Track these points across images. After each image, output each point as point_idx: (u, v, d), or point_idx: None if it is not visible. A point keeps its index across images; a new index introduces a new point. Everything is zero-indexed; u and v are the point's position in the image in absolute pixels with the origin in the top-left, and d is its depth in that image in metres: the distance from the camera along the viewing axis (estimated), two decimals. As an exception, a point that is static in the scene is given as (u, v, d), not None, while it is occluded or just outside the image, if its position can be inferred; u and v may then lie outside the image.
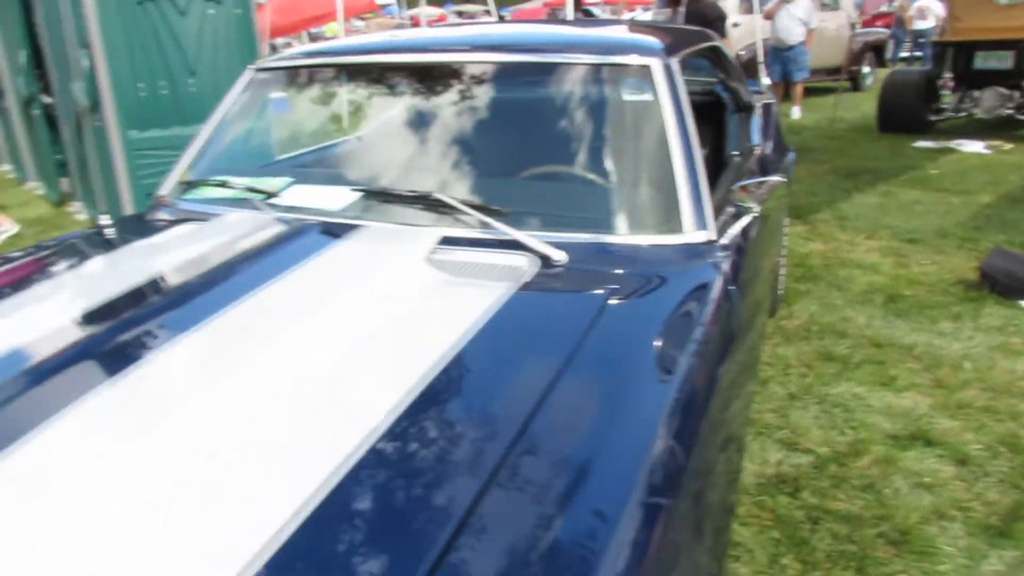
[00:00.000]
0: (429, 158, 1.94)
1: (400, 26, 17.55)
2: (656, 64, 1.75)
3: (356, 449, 0.95)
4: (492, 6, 11.95)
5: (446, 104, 2.00)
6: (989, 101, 7.56)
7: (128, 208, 4.84)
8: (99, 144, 4.80)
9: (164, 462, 0.94)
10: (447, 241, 1.57)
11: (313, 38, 16.31)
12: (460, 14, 22.24)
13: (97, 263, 1.79)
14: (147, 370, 1.14)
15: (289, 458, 0.94)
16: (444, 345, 1.18)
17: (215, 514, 0.85)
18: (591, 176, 1.75)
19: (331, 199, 1.86)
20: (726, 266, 1.55)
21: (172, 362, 1.17)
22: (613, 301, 1.35)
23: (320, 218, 1.76)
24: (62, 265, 1.78)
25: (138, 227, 2.03)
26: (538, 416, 1.01)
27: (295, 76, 2.32)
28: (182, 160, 2.26)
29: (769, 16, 8.48)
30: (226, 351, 1.20)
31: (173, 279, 1.50)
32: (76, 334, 1.28)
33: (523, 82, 1.94)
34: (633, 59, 1.77)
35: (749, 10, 9.34)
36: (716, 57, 2.57)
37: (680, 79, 1.75)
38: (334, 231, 1.66)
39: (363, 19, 18.20)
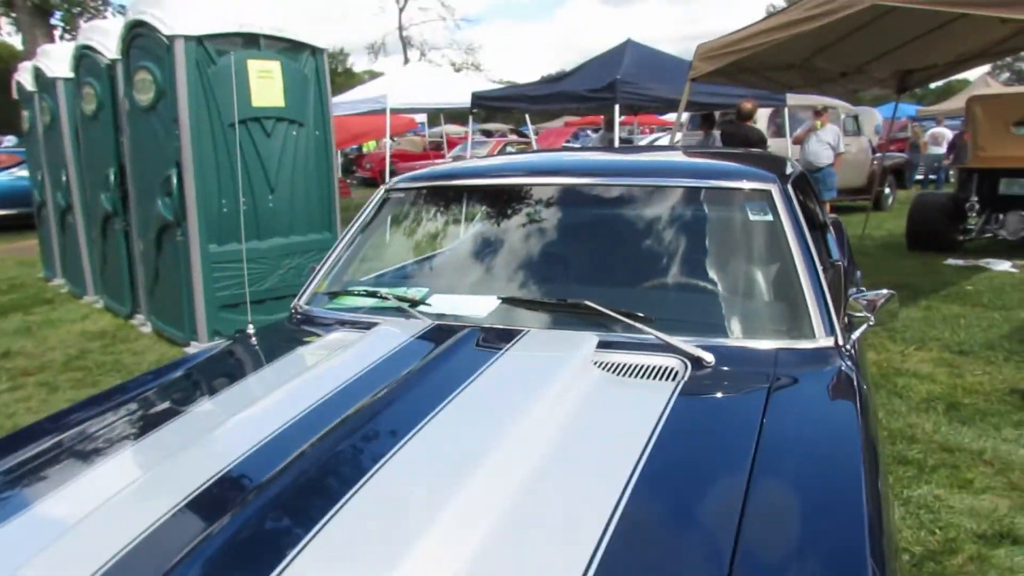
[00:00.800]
0: (566, 270, 2.24)
1: (437, 143, 18.53)
2: (775, 188, 2.08)
3: (596, 547, 1.05)
4: (530, 128, 12.84)
5: (576, 222, 2.33)
6: (1013, 224, 8.03)
7: (201, 319, 5.16)
8: (178, 258, 5.18)
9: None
10: (601, 344, 1.78)
11: (345, 155, 17.32)
12: (486, 133, 23.52)
13: (280, 371, 1.92)
14: (380, 480, 1.20)
15: (537, 557, 1.06)
16: (637, 442, 1.33)
17: None
18: (720, 286, 2.04)
19: (475, 307, 2.09)
20: (855, 369, 1.77)
21: (399, 471, 1.23)
22: (771, 401, 1.52)
23: (472, 324, 1.94)
24: (257, 371, 1.97)
25: (295, 334, 2.21)
26: (747, 518, 1.12)
27: (423, 194, 2.66)
28: (319, 272, 2.54)
29: (799, 141, 9.11)
30: (446, 457, 1.27)
31: (368, 386, 1.59)
32: (302, 443, 1.34)
33: (651, 203, 2.23)
34: (754, 184, 2.11)
35: (778, 133, 10.02)
36: (801, 181, 2.94)
37: (795, 201, 2.08)
38: (499, 336, 1.84)
39: (392, 138, 19.31)
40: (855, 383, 1.70)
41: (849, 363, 1.77)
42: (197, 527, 1.13)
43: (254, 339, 2.28)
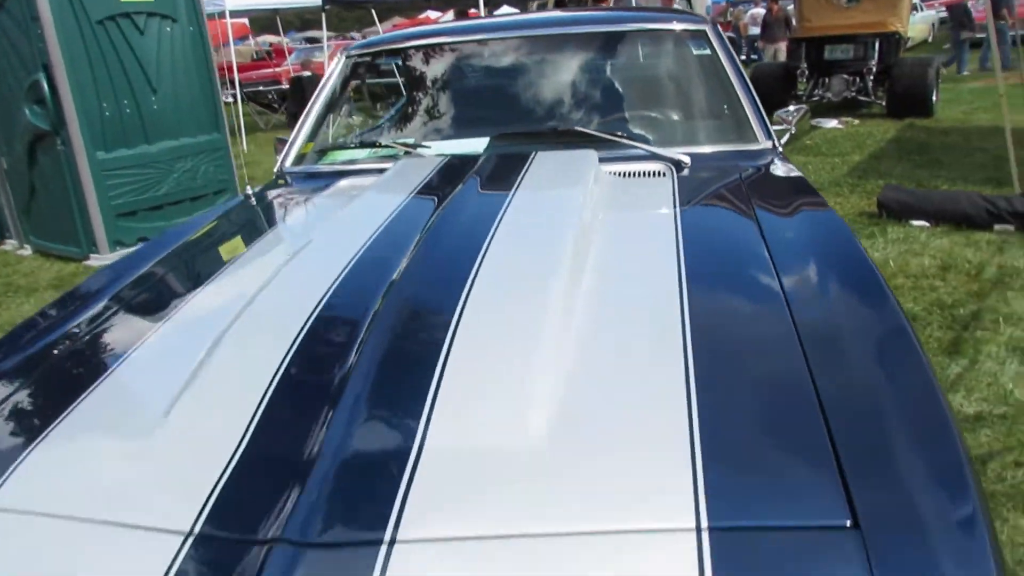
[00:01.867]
0: (541, 107, 2.60)
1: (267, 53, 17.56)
2: (709, 28, 2.55)
3: (682, 329, 1.18)
4: (379, 27, 12.62)
5: (546, 65, 2.68)
6: (837, 86, 9.19)
7: (100, 230, 5.07)
8: (61, 169, 5.00)
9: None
10: (600, 159, 2.11)
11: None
12: (309, 41, 22.83)
13: (314, 214, 2.08)
14: (477, 298, 1.27)
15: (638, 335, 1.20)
16: (670, 225, 1.61)
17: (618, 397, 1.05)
18: (678, 107, 2.51)
19: (470, 146, 2.36)
20: (789, 162, 2.29)
21: (489, 289, 1.30)
22: (747, 184, 1.97)
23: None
24: (290, 217, 2.13)
25: (303, 188, 2.35)
26: (784, 281, 1.31)
27: (383, 57, 2.91)
28: (296, 137, 2.71)
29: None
30: (527, 265, 1.39)
31: (419, 214, 1.69)
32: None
33: (609, 45, 2.63)
34: (693, 26, 2.56)
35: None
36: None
37: (724, 39, 2.56)
38: (515, 159, 2.07)
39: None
40: (798, 169, 2.23)
41: (784, 159, 2.30)
42: (326, 363, 1.15)
43: (256, 199, 2.37)
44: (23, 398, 1.29)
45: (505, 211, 1.65)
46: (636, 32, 2.65)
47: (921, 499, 0.85)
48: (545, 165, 2.07)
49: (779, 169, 2.20)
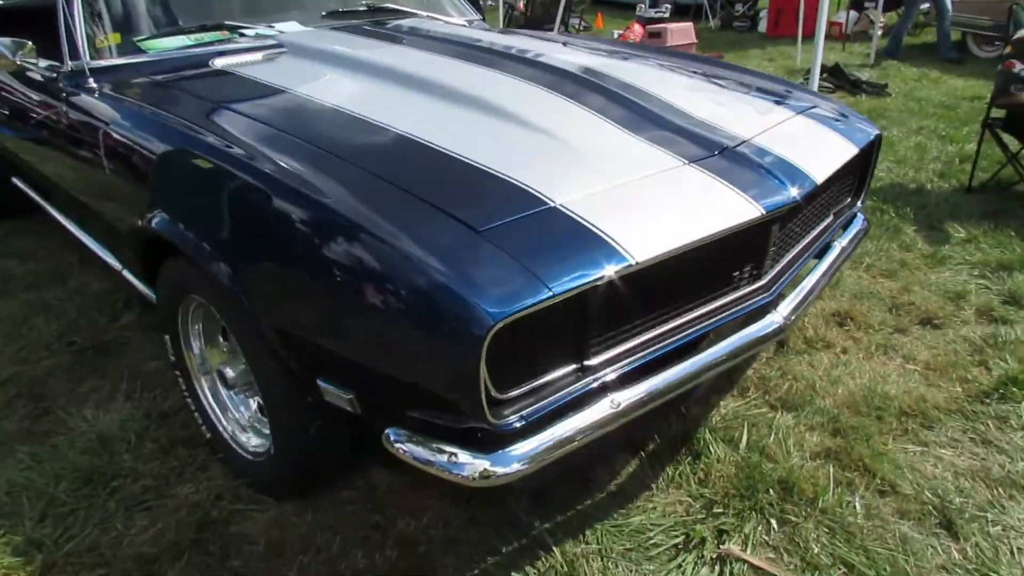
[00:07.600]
0: None
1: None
2: None
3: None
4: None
5: None
6: None
7: None
8: None
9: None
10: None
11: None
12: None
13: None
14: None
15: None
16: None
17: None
18: None
19: (293, 25, 2.64)
20: None
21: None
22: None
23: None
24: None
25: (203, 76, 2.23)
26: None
27: None
28: (77, 29, 2.27)
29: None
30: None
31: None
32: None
33: None
34: None
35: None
36: None
37: None
38: (389, 26, 2.76)
39: None
40: None
41: None
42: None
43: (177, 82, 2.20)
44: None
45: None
46: None
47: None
48: (419, 24, 2.90)
49: None
